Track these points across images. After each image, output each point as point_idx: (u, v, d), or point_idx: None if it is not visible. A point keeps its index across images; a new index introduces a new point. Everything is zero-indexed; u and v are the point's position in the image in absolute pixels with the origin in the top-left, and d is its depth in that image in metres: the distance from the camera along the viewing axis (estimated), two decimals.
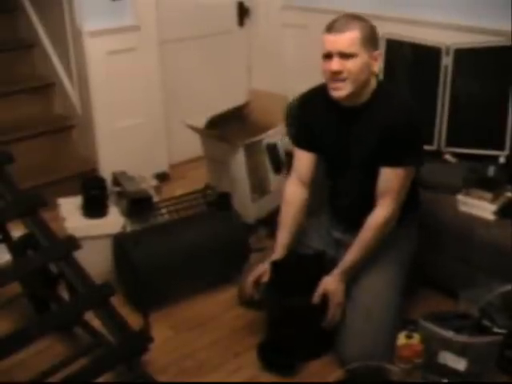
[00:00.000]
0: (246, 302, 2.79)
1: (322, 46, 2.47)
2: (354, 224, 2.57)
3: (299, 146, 2.73)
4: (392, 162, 2.46)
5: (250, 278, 2.62)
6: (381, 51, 2.56)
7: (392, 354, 2.39)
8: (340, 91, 2.45)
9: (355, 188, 2.62)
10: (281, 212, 2.73)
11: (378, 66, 2.52)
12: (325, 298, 2.45)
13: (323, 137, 2.63)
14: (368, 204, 2.53)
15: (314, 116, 2.65)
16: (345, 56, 2.40)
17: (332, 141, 2.61)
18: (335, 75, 2.42)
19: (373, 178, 2.51)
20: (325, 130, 2.62)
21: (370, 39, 2.45)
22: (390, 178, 2.47)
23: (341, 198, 2.72)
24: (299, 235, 2.71)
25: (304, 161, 2.70)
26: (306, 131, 2.68)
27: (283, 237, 2.66)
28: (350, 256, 2.50)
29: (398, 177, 2.47)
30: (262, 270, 2.61)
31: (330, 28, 2.43)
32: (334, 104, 2.54)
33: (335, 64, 2.41)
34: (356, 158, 2.56)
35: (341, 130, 2.58)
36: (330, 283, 2.47)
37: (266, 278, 2.58)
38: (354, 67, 2.40)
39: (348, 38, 2.39)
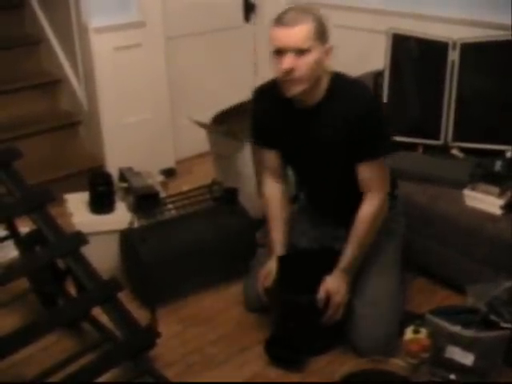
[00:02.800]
0: (254, 309, 2.78)
1: (270, 42, 2.26)
2: (342, 219, 2.57)
3: (259, 145, 2.68)
4: (367, 157, 2.39)
5: (259, 286, 2.60)
6: (332, 45, 2.33)
7: (398, 346, 2.41)
8: (293, 89, 2.29)
9: (331, 189, 2.59)
10: (266, 213, 2.71)
11: (330, 61, 2.35)
12: (328, 297, 2.44)
13: (282, 140, 2.54)
14: (350, 198, 2.50)
15: (270, 114, 2.52)
16: (298, 52, 2.22)
17: (293, 145, 2.52)
18: (287, 74, 2.25)
19: (343, 173, 2.47)
20: (283, 133, 2.52)
21: (323, 32, 2.28)
22: (369, 173, 2.42)
23: (319, 200, 2.71)
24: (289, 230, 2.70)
25: (270, 156, 2.64)
26: (264, 129, 2.59)
27: (278, 235, 2.65)
28: (347, 254, 2.47)
29: (377, 169, 2.43)
30: (264, 274, 2.60)
31: (280, 21, 2.23)
32: (290, 105, 2.41)
33: (287, 61, 2.22)
34: (323, 160, 2.48)
35: (300, 133, 2.46)
36: (332, 283, 2.44)
37: (269, 281, 2.57)
38: (307, 64, 2.24)
39: (301, 32, 2.21)
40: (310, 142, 2.46)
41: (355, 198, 2.48)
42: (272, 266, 2.60)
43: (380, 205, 2.46)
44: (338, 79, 2.40)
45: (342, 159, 2.43)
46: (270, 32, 2.26)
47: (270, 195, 2.70)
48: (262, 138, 2.64)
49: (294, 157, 2.60)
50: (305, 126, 2.44)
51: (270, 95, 2.47)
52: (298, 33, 2.20)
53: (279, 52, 2.25)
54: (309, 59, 2.23)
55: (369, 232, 2.47)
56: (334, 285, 2.43)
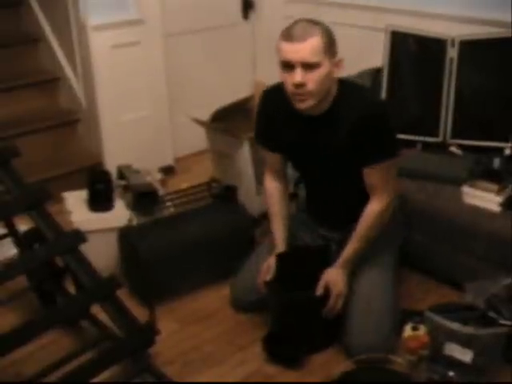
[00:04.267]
0: (241, 306, 2.79)
1: (278, 54, 2.27)
2: (337, 223, 2.65)
3: (262, 146, 2.69)
4: (373, 162, 2.41)
5: (260, 279, 2.60)
6: (341, 58, 2.34)
7: (395, 345, 2.40)
8: (305, 102, 2.31)
9: (331, 193, 2.62)
10: (268, 208, 2.73)
11: (340, 73, 2.37)
12: (327, 288, 2.46)
13: (287, 144, 2.56)
14: (350, 202, 2.57)
15: (277, 118, 2.53)
16: (308, 66, 2.23)
17: (298, 150, 2.55)
18: (298, 87, 2.26)
19: (348, 179, 2.51)
20: (288, 138, 2.53)
21: (331, 46, 2.28)
22: (376, 177, 2.44)
23: (318, 203, 2.73)
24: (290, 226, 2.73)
25: (272, 157, 2.67)
26: (269, 133, 2.60)
27: (279, 230, 2.67)
28: (350, 248, 2.51)
29: (383, 173, 2.44)
30: (265, 268, 2.60)
31: (289, 36, 2.23)
32: (296, 111, 2.41)
33: (298, 76, 2.23)
34: (327, 165, 2.50)
35: (306, 139, 2.48)
36: (331, 274, 2.48)
37: (269, 276, 2.57)
38: (318, 78, 2.25)
39: (311, 47, 2.21)
40: (315, 147, 2.48)
41: (355, 202, 2.53)
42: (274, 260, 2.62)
43: (384, 206, 2.49)
44: (344, 86, 2.41)
45: (347, 164, 2.45)
46: (279, 45, 2.26)
47: (270, 192, 2.72)
48: (267, 141, 2.65)
49: (299, 161, 2.64)
50: (311, 133, 2.46)
51: (277, 99, 2.47)
52: (308, 48, 2.20)
53: (288, 66, 2.25)
54: (319, 73, 2.24)
55: (372, 229, 2.50)
56: (333, 276, 2.47)
